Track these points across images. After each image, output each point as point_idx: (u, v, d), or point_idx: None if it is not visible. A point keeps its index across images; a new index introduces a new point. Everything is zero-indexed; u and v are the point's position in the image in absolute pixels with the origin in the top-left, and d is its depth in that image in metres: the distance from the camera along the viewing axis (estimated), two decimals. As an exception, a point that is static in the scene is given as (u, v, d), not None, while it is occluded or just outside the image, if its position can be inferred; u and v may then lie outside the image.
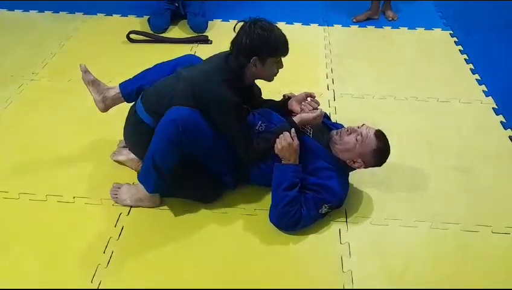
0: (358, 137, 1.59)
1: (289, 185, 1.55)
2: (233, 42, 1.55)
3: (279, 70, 1.61)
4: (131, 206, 1.67)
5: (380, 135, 1.61)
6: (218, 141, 1.58)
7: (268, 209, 1.63)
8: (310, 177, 1.60)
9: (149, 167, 1.56)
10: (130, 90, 1.77)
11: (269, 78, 1.63)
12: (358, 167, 1.64)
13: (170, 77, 1.68)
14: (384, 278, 1.46)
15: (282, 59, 1.59)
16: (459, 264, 1.51)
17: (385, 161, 1.64)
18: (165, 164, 1.54)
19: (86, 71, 1.81)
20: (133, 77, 1.82)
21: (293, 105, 1.73)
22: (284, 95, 1.82)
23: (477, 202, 1.74)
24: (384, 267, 1.49)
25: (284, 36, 1.54)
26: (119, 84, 1.80)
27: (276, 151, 1.57)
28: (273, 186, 1.58)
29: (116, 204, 1.68)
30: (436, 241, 1.58)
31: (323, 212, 1.57)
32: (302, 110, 1.68)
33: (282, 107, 1.77)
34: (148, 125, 1.62)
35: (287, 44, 1.54)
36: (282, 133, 1.57)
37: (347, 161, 1.62)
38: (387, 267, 1.49)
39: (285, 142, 1.55)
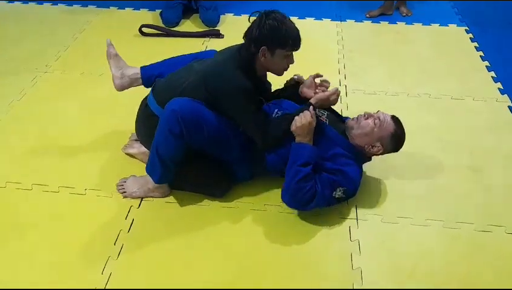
0: (376, 121, 1.58)
1: (304, 163, 1.52)
2: (245, 34, 1.56)
3: (290, 66, 1.60)
4: (140, 198, 1.68)
5: (396, 120, 1.62)
6: (225, 129, 1.56)
7: (278, 204, 1.63)
8: (327, 162, 1.58)
9: (154, 158, 1.57)
10: (150, 74, 1.79)
11: (278, 72, 1.62)
12: (377, 152, 1.62)
13: (182, 70, 1.69)
14: (394, 276, 1.45)
15: (294, 55, 1.58)
16: (471, 264, 1.49)
17: (401, 147, 1.64)
18: (168, 155, 1.55)
19: (110, 45, 1.85)
20: (155, 63, 1.84)
21: (305, 92, 1.70)
22: (290, 80, 1.79)
23: (491, 202, 1.71)
24: (394, 266, 1.48)
25: (296, 30, 1.53)
26: (140, 67, 1.81)
27: (293, 128, 1.55)
28: (288, 164, 1.54)
29: (127, 197, 1.69)
30: (448, 241, 1.56)
31: (337, 196, 1.53)
32: (315, 93, 1.67)
33: (293, 95, 1.74)
34: (159, 117, 1.62)
35: (299, 38, 1.53)
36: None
37: (365, 147, 1.60)
38: (397, 266, 1.48)
39: (305, 120, 1.53)
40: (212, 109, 1.55)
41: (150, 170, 1.62)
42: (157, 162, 1.56)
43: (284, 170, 1.57)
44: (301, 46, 1.55)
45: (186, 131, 1.49)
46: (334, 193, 1.53)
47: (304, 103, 1.64)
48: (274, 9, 1.53)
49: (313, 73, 1.72)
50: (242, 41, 1.58)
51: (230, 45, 1.67)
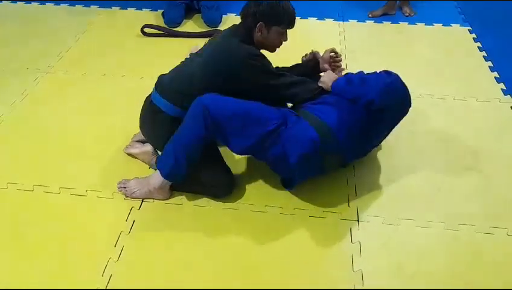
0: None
1: (352, 77, 1.60)
2: (243, 8, 1.62)
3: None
4: (141, 199, 1.68)
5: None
6: (254, 98, 1.56)
7: (279, 206, 1.64)
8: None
9: (169, 152, 1.56)
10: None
11: (272, 48, 1.68)
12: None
13: (184, 65, 1.70)
14: (395, 278, 1.44)
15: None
16: (472, 266, 1.48)
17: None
18: (185, 151, 1.53)
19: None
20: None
21: (325, 67, 1.80)
22: (307, 55, 1.86)
23: (493, 204, 1.70)
24: (395, 267, 1.47)
25: (292, 9, 1.62)
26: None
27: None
28: (344, 90, 1.60)
29: (127, 198, 1.69)
30: (449, 243, 1.55)
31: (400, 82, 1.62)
32: (331, 67, 1.79)
33: (312, 69, 1.82)
34: (166, 113, 1.63)
35: (294, 16, 1.63)
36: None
37: None
38: (399, 268, 1.47)
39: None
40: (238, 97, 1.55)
41: (161, 164, 1.61)
42: (172, 156, 1.54)
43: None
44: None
45: (215, 125, 1.48)
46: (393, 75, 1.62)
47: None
48: None
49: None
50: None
51: None
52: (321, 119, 1.54)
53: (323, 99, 1.63)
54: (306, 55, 1.88)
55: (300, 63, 1.88)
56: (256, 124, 1.50)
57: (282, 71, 1.70)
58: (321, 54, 1.83)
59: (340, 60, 1.81)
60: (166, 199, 1.69)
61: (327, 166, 1.63)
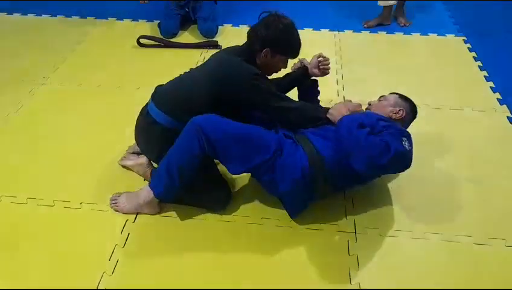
0: (381, 97, 1.77)
1: (359, 124, 1.48)
2: (252, 29, 1.63)
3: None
4: (131, 213, 1.65)
5: (392, 92, 1.79)
6: (256, 129, 1.54)
7: (275, 218, 1.62)
8: (378, 127, 1.54)
9: (161, 171, 1.53)
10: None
11: (270, 73, 1.70)
12: (402, 115, 1.66)
13: (183, 75, 1.71)
14: (393, 291, 1.43)
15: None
16: (470, 278, 1.47)
17: (415, 107, 1.74)
18: (179, 170, 1.49)
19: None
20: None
21: (314, 72, 1.84)
22: (296, 64, 1.88)
23: (490, 214, 1.69)
24: (393, 280, 1.46)
25: (299, 40, 1.64)
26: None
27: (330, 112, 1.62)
28: (343, 137, 1.48)
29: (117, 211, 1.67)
30: (447, 254, 1.54)
31: (406, 146, 1.47)
32: (320, 71, 1.82)
33: (301, 76, 1.85)
34: (162, 124, 1.62)
35: (299, 49, 1.65)
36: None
37: (391, 115, 1.65)
38: (396, 280, 1.46)
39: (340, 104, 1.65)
40: (235, 115, 1.54)
41: (154, 183, 1.58)
42: (165, 177, 1.52)
43: (330, 148, 1.54)
44: (300, 56, 1.66)
45: (210, 146, 1.45)
46: (402, 143, 1.47)
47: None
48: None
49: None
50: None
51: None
52: (317, 150, 1.52)
53: (326, 131, 1.60)
54: (294, 64, 1.89)
55: (290, 72, 1.89)
56: (254, 151, 1.48)
57: (274, 83, 1.70)
58: (308, 61, 1.86)
59: (328, 63, 1.83)
60: (156, 214, 1.66)
61: (317, 194, 1.60)
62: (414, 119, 1.75)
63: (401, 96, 1.75)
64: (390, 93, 1.78)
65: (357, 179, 1.62)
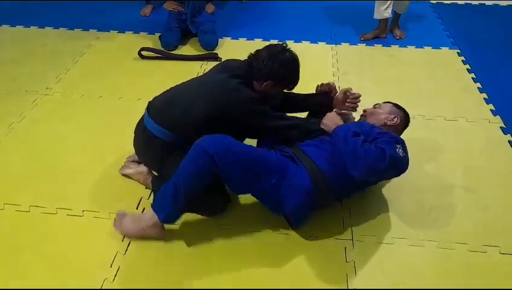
0: (376, 105, 1.81)
1: (353, 133, 1.52)
2: (256, 57, 1.64)
3: None
4: (136, 237, 1.59)
5: (386, 101, 1.83)
6: (263, 155, 1.56)
7: (273, 225, 1.65)
8: (372, 135, 1.59)
9: (167, 194, 1.49)
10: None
11: (267, 99, 1.70)
12: (396, 122, 1.72)
13: (178, 89, 1.74)
14: (389, 297, 1.45)
15: None
16: (465, 285, 1.50)
17: (408, 116, 1.79)
18: (186, 193, 1.48)
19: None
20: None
21: (338, 107, 1.84)
22: (322, 86, 1.90)
23: (485, 222, 1.72)
24: (389, 286, 1.48)
25: (299, 74, 1.67)
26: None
27: (323, 122, 1.67)
28: (339, 147, 1.51)
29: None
30: (442, 261, 1.57)
31: (400, 153, 1.51)
32: (349, 107, 1.83)
33: (325, 105, 1.86)
34: (162, 139, 1.65)
35: (298, 81, 1.70)
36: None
37: (386, 122, 1.71)
38: (393, 286, 1.48)
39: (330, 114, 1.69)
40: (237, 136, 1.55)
41: (158, 207, 1.53)
42: (171, 199, 1.49)
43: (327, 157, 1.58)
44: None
45: (218, 170, 1.46)
46: (396, 150, 1.51)
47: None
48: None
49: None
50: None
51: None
52: (316, 165, 1.56)
53: (321, 141, 1.64)
54: (322, 85, 1.90)
55: (314, 94, 1.91)
56: (260, 179, 1.51)
57: (289, 100, 1.76)
58: (333, 84, 1.89)
59: (358, 100, 1.82)
60: (161, 238, 1.58)
61: (320, 205, 1.63)
62: (407, 127, 1.80)
63: (395, 104, 1.81)
64: (385, 102, 1.84)
65: (356, 186, 1.65)
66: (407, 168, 1.57)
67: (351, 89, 1.83)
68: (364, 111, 1.81)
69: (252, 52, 1.69)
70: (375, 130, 1.62)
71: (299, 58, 1.66)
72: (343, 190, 1.63)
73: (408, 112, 1.81)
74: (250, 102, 1.60)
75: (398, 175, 1.61)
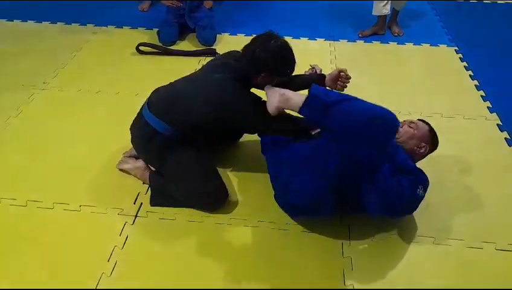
0: (412, 124, 1.69)
1: (390, 170, 1.48)
2: (248, 51, 1.59)
3: None
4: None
5: (423, 120, 1.74)
6: None
7: (271, 221, 1.65)
8: (400, 165, 1.53)
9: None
10: None
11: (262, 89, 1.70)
12: (424, 152, 1.68)
13: (179, 84, 1.73)
14: (386, 293, 1.46)
15: None
16: (462, 281, 1.51)
17: (438, 142, 1.73)
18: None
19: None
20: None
21: (330, 84, 1.80)
22: (310, 70, 1.89)
23: (481, 219, 1.73)
24: (386, 282, 1.49)
25: (295, 60, 1.61)
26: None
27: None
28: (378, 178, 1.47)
29: (122, 212, 1.71)
30: (439, 257, 1.58)
31: (420, 194, 1.49)
32: (339, 86, 1.77)
33: (316, 82, 1.76)
34: (163, 134, 1.66)
35: (293, 67, 1.64)
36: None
37: (414, 149, 1.65)
38: (389, 282, 1.49)
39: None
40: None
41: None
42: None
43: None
44: (296, 65, 1.64)
45: None
46: (418, 190, 1.49)
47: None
48: (274, 31, 1.60)
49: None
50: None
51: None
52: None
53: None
54: (311, 69, 1.92)
55: (303, 74, 1.89)
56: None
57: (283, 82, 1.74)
58: (319, 68, 1.89)
59: (349, 82, 1.79)
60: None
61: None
62: (431, 152, 1.74)
63: (430, 129, 1.71)
64: (421, 120, 1.74)
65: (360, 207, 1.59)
66: (416, 208, 1.56)
67: (346, 70, 1.78)
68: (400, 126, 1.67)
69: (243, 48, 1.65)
70: (407, 161, 1.56)
71: (288, 43, 1.59)
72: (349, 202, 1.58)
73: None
74: (249, 106, 1.60)
75: (405, 214, 1.62)
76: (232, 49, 1.80)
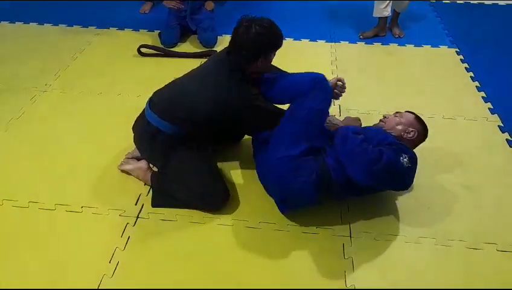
0: (397, 114, 1.77)
1: (354, 132, 1.55)
2: (236, 44, 1.60)
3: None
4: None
5: (410, 111, 1.79)
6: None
7: (273, 222, 1.66)
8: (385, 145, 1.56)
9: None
10: None
11: (265, 71, 1.72)
12: (413, 136, 1.69)
13: (182, 84, 1.74)
14: (387, 294, 1.46)
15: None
16: (463, 281, 1.51)
17: (427, 130, 1.75)
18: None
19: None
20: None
21: None
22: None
23: (482, 220, 1.73)
24: (387, 283, 1.49)
25: (279, 29, 1.63)
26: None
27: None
28: (339, 146, 1.54)
29: (123, 214, 1.72)
30: (440, 258, 1.58)
31: (405, 163, 1.49)
32: (335, 94, 1.81)
33: None
34: (166, 133, 1.67)
35: (282, 35, 1.64)
36: None
37: (402, 134, 1.68)
38: (390, 283, 1.49)
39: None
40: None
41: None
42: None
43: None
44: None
45: None
46: (401, 158, 1.49)
47: None
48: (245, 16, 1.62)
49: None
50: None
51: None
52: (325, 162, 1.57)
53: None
54: None
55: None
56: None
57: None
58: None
59: (344, 91, 1.84)
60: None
61: (319, 201, 1.63)
62: (423, 142, 1.76)
63: (417, 116, 1.75)
64: (407, 111, 1.79)
65: (357, 190, 1.62)
66: (411, 182, 1.57)
67: (344, 79, 1.82)
68: (384, 117, 1.78)
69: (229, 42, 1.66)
70: (388, 137, 1.59)
71: (265, 18, 1.61)
72: (344, 191, 1.60)
73: (406, 110, 1.82)
74: (251, 101, 1.62)
75: (401, 187, 1.62)
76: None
